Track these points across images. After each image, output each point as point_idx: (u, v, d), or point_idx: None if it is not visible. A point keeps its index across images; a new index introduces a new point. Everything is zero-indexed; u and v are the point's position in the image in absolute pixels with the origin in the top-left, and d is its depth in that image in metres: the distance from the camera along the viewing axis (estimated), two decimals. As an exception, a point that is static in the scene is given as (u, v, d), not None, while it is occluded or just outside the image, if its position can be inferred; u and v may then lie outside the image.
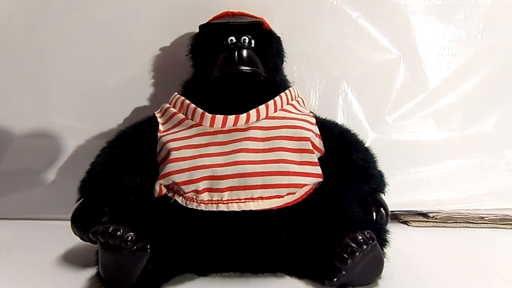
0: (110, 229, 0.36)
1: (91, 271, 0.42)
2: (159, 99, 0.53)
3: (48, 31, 0.60)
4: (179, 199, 0.42)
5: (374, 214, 0.47)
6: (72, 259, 0.47)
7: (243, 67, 0.47)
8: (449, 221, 0.60)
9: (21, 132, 0.61)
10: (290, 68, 0.58)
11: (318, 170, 0.45)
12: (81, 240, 0.46)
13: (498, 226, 0.59)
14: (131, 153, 0.47)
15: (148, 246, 0.36)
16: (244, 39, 0.49)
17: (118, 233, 0.35)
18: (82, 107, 0.61)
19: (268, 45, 0.51)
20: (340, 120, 0.62)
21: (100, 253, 0.38)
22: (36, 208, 0.62)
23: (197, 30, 0.52)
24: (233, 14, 0.53)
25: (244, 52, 0.48)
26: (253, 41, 0.50)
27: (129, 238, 0.35)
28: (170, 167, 0.43)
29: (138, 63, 0.60)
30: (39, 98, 0.61)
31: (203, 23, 0.51)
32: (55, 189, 0.61)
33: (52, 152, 0.61)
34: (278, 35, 0.53)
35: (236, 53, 0.48)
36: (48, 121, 0.61)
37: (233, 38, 0.49)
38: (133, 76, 0.61)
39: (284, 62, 0.54)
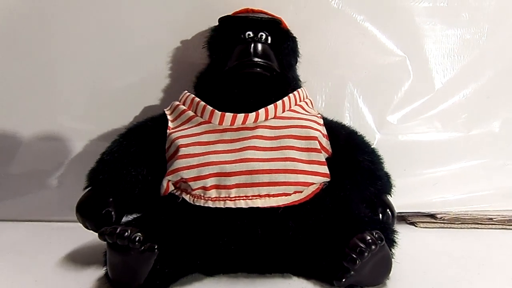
0: (118, 230, 0.36)
1: (99, 272, 0.42)
2: (167, 101, 0.53)
3: (56, 34, 0.60)
4: (187, 197, 0.42)
5: (380, 215, 0.47)
6: (80, 260, 0.47)
7: (257, 59, 0.48)
8: (456, 222, 0.60)
9: (30, 135, 0.62)
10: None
11: (325, 169, 0.45)
12: (87, 240, 0.47)
13: (507, 227, 0.59)
14: (140, 146, 0.47)
15: (156, 247, 0.36)
16: (261, 34, 0.51)
17: (126, 233, 0.35)
18: (90, 109, 0.62)
19: (284, 43, 0.52)
20: (346, 121, 0.62)
21: (108, 253, 0.38)
22: (45, 210, 0.62)
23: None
24: (253, 11, 0.54)
25: (260, 46, 0.49)
26: (269, 38, 0.51)
27: (137, 238, 0.36)
28: (179, 163, 0.43)
29: (145, 66, 0.61)
30: (47, 101, 0.61)
31: (223, 15, 0.52)
32: (63, 191, 0.62)
33: (60, 154, 0.62)
34: (294, 35, 0.54)
35: (252, 46, 0.49)
36: (56, 124, 0.61)
37: (250, 32, 0.50)
38: (141, 79, 0.61)
39: (298, 62, 0.55)
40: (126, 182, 0.45)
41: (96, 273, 0.43)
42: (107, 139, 0.59)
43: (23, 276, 0.44)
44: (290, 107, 0.48)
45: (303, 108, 0.49)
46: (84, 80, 0.61)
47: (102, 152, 0.48)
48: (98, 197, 0.45)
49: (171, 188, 0.44)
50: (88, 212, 0.45)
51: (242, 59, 0.49)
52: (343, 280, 0.37)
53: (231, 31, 0.51)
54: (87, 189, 0.46)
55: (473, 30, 0.64)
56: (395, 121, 0.63)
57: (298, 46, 0.55)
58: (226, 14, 0.53)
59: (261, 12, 0.54)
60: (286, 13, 0.60)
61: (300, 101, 0.50)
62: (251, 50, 0.49)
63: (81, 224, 0.45)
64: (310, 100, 0.52)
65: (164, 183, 0.44)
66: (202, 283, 0.41)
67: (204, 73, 0.53)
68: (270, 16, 0.53)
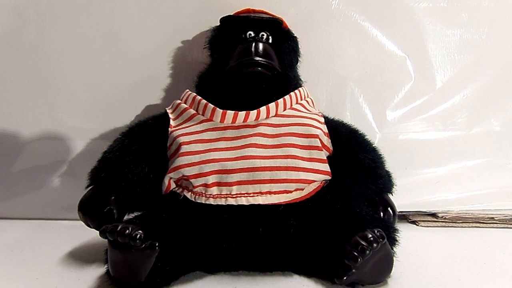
0: (119, 228, 0.36)
1: (100, 270, 0.42)
2: (168, 100, 0.54)
3: (57, 34, 0.61)
4: (188, 195, 0.42)
5: (382, 213, 0.47)
6: (81, 258, 0.47)
7: (258, 58, 0.48)
8: (458, 221, 0.60)
9: (31, 134, 0.62)
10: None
11: (326, 167, 0.45)
12: (88, 238, 0.47)
13: (508, 226, 0.59)
14: (141, 144, 0.47)
15: (157, 244, 0.36)
16: (263, 34, 0.51)
17: (127, 231, 0.35)
18: (92, 108, 0.62)
19: (285, 43, 0.53)
20: (348, 121, 0.61)
21: (109, 251, 0.38)
22: (46, 208, 0.62)
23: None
24: (254, 11, 0.54)
25: (261, 45, 0.50)
26: (270, 38, 0.51)
27: (138, 236, 0.35)
28: (181, 160, 0.43)
29: (146, 65, 0.61)
30: (49, 100, 0.61)
31: (224, 15, 0.52)
32: (64, 189, 0.62)
33: (62, 152, 0.62)
34: (295, 35, 0.55)
35: (253, 45, 0.49)
36: (57, 123, 0.62)
37: (252, 32, 0.51)
38: (142, 78, 0.61)
39: (299, 62, 0.56)
40: (128, 180, 0.45)
41: (97, 271, 0.43)
42: (108, 138, 0.60)
43: (24, 273, 0.44)
44: (291, 105, 0.48)
45: (304, 107, 0.50)
46: (85, 79, 0.61)
47: (104, 151, 0.48)
48: (100, 196, 0.45)
49: (173, 185, 0.45)
50: (90, 210, 0.45)
51: (243, 58, 0.49)
52: (344, 278, 0.37)
53: (232, 31, 0.52)
54: (89, 188, 0.46)
55: (473, 30, 0.64)
56: (396, 121, 0.64)
57: (299, 46, 0.56)
58: (227, 14, 0.53)
59: (262, 12, 0.54)
60: (286, 14, 0.61)
61: (301, 99, 0.50)
62: (252, 49, 0.49)
63: (83, 223, 0.46)
64: (311, 99, 0.52)
65: (166, 181, 0.44)
66: (203, 280, 0.41)
67: (205, 73, 0.54)
68: (271, 16, 0.53)
